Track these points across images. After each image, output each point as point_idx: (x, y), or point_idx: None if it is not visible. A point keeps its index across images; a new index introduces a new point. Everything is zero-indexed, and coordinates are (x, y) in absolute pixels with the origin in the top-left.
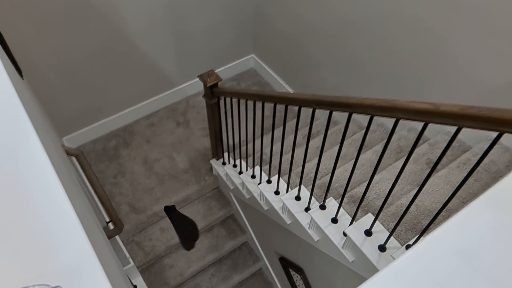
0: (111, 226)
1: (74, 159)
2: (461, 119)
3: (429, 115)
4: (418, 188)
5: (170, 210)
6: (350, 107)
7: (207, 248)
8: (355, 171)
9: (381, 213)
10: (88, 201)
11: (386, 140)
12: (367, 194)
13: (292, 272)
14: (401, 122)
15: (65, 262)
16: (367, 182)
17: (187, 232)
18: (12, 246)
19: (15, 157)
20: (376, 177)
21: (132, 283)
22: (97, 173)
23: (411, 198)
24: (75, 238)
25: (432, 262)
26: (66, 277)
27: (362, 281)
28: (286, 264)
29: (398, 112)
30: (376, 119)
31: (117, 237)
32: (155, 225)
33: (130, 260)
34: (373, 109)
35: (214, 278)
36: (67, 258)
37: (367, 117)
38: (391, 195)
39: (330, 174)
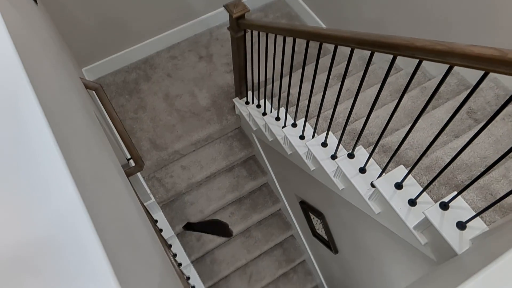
0: (132, 163)
1: (93, 93)
2: None
3: (492, 63)
4: (456, 139)
5: (192, 226)
6: (396, 49)
7: (227, 188)
8: (388, 118)
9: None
10: (107, 138)
11: (424, 85)
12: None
13: (312, 216)
14: (439, 65)
15: (47, 216)
16: (400, 131)
17: (219, 230)
18: None
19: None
20: (409, 126)
21: (153, 218)
22: (117, 107)
23: (449, 151)
24: (60, 187)
25: None
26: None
27: (387, 233)
28: (307, 208)
29: (455, 58)
30: (413, 60)
31: (138, 173)
32: (176, 163)
33: (151, 196)
34: (424, 53)
35: (233, 216)
36: (50, 210)
37: (404, 58)
38: (425, 147)
39: (360, 120)
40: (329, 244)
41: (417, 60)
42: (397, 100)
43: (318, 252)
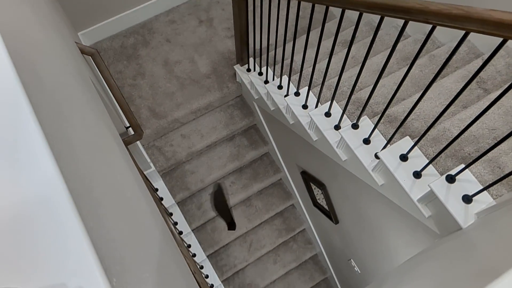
0: (131, 131)
1: (90, 58)
2: None
3: None
4: (464, 110)
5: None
6: (409, 13)
7: (228, 157)
8: (395, 87)
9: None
10: (104, 106)
11: (432, 53)
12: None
13: (314, 187)
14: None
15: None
16: (407, 101)
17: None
18: None
19: None
20: (416, 96)
21: (153, 186)
22: (115, 74)
23: (457, 122)
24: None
25: None
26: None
27: (390, 205)
28: (308, 178)
29: (472, 23)
30: (421, 26)
31: (138, 141)
32: (176, 131)
33: (151, 164)
34: (439, 18)
35: (234, 185)
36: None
37: (412, 23)
38: (432, 117)
39: (365, 90)
40: (330, 214)
41: (429, 26)
42: (404, 68)
43: (319, 222)
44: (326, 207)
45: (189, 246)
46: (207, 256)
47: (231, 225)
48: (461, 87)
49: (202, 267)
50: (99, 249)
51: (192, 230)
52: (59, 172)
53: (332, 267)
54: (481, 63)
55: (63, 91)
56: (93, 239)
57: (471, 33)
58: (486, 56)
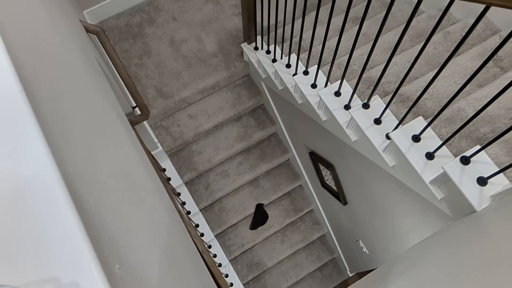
0: (137, 111)
1: (95, 37)
2: None
3: None
4: (480, 89)
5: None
6: None
7: (235, 137)
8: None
9: (433, 117)
10: (110, 85)
11: (447, 29)
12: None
13: (322, 167)
14: (465, 7)
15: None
16: (420, 80)
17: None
18: None
19: None
20: (430, 74)
21: (160, 167)
22: (121, 53)
23: (472, 101)
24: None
25: None
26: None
27: (401, 186)
28: (316, 159)
29: None
30: (436, 1)
31: (144, 122)
32: (183, 111)
33: (158, 144)
34: None
35: (241, 166)
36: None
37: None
38: (446, 97)
39: (376, 68)
40: (338, 195)
41: (445, 1)
42: (417, 45)
43: (327, 203)
44: (334, 188)
45: (197, 225)
46: (215, 236)
47: (255, 226)
48: (477, 65)
49: (210, 247)
50: (101, 235)
51: (200, 210)
52: (50, 153)
53: (340, 247)
54: (498, 40)
55: (63, 69)
56: (95, 224)
57: (497, 7)
58: (503, 33)
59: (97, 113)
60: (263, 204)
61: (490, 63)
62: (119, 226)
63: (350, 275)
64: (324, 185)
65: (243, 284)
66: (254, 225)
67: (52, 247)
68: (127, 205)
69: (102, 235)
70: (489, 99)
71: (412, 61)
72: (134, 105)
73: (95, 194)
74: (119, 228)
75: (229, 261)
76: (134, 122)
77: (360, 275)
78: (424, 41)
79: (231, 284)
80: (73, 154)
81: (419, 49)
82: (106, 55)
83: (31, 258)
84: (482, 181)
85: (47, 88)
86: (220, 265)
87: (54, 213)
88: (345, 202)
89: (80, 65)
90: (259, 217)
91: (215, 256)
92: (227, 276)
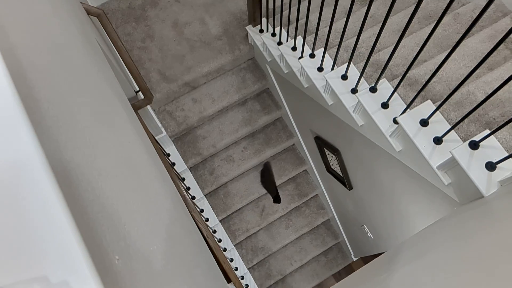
0: (140, 95)
1: (97, 20)
2: None
3: None
4: (490, 72)
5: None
6: None
7: (240, 122)
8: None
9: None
10: (111, 69)
11: (457, 11)
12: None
13: (327, 152)
14: None
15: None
16: (429, 62)
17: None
18: None
19: None
20: (439, 57)
21: (165, 152)
22: (124, 36)
23: (482, 85)
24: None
25: None
26: None
27: (407, 171)
28: (322, 144)
29: None
30: None
31: (148, 106)
32: (187, 96)
33: (162, 129)
34: None
35: (246, 150)
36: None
37: None
38: (456, 80)
39: (384, 51)
40: (344, 180)
41: None
42: (425, 28)
43: (332, 188)
44: (340, 173)
45: (201, 211)
46: (220, 221)
47: (277, 199)
48: (487, 47)
49: (215, 232)
50: (99, 225)
51: (205, 195)
52: (37, 141)
53: (345, 232)
54: (509, 22)
55: (61, 52)
56: (93, 214)
57: None
58: None
59: (98, 98)
60: (268, 162)
61: (501, 45)
62: (119, 215)
63: (355, 259)
64: (329, 170)
65: (248, 268)
66: (274, 196)
67: (41, 243)
68: (128, 193)
69: (101, 225)
70: (499, 82)
71: (421, 43)
72: (137, 89)
73: (93, 182)
74: (119, 218)
75: (234, 245)
76: (137, 106)
77: (365, 259)
78: (434, 23)
79: (236, 269)
80: (70, 141)
81: (428, 31)
82: (108, 38)
83: (16, 255)
84: (490, 166)
85: (42, 72)
86: (225, 249)
87: (42, 206)
88: (350, 187)
89: (80, 48)
90: (267, 178)
91: (220, 241)
92: (232, 260)
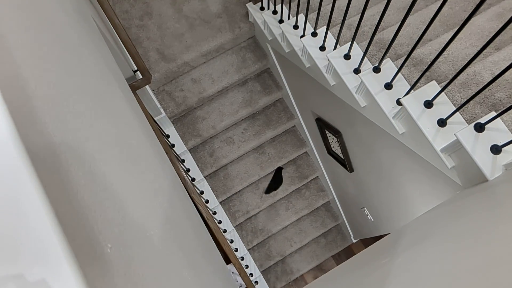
0: (139, 75)
1: None
2: None
3: None
4: (497, 52)
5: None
6: None
7: (240, 103)
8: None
9: (447, 82)
10: (108, 48)
11: None
12: (431, 56)
13: (328, 134)
14: None
15: None
16: (434, 42)
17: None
18: None
19: None
20: (445, 36)
21: (164, 133)
22: (121, 14)
23: (489, 65)
24: None
25: None
26: None
27: (410, 154)
28: (323, 126)
29: None
30: None
31: (147, 86)
32: (186, 75)
33: (162, 110)
34: None
35: (246, 132)
36: None
37: None
38: (462, 60)
39: (388, 29)
40: (345, 162)
41: None
42: (431, 5)
43: (332, 170)
44: (341, 155)
45: (201, 192)
46: (220, 203)
47: (268, 191)
48: (495, 26)
49: (215, 213)
50: (91, 212)
51: (205, 177)
52: (11, 121)
53: (344, 214)
54: None
55: (52, 28)
56: (84, 200)
57: None
58: None
59: (92, 77)
60: (283, 168)
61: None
62: (114, 200)
63: (354, 241)
64: (330, 152)
65: (247, 250)
66: (269, 189)
67: (16, 237)
68: (124, 176)
69: (93, 211)
70: (506, 63)
71: (427, 22)
72: (135, 68)
73: (86, 166)
74: (114, 203)
75: (234, 227)
76: (135, 86)
77: (364, 241)
78: (441, 0)
79: (236, 250)
80: (61, 123)
81: (434, 9)
82: (105, 15)
83: None
84: (496, 150)
85: (29, 50)
86: (225, 231)
87: (16, 194)
88: (351, 170)
89: (73, 25)
90: (276, 181)
91: (220, 222)
92: (232, 241)
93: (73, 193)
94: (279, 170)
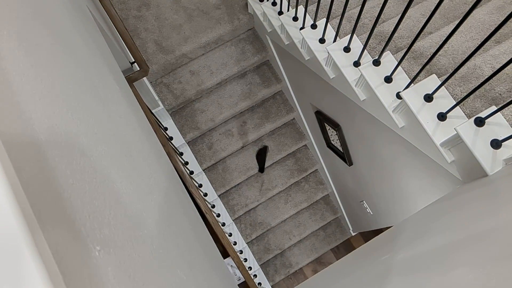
0: (136, 67)
1: None
2: None
3: None
4: (498, 45)
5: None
6: None
7: (239, 95)
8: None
9: (447, 75)
10: (104, 39)
11: None
12: (432, 49)
13: (328, 127)
14: None
15: None
16: (434, 35)
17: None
18: None
19: None
20: (445, 29)
21: (162, 125)
22: (118, 4)
23: (489, 59)
24: None
25: None
26: None
27: (409, 148)
28: (322, 119)
29: None
30: None
31: (144, 78)
32: (184, 67)
33: (160, 102)
34: None
35: (245, 125)
36: None
37: None
38: (462, 53)
39: (388, 22)
40: (344, 156)
41: None
42: None
43: (331, 163)
44: (340, 148)
45: (200, 186)
46: (219, 196)
47: (261, 170)
48: (496, 19)
49: (213, 207)
50: (78, 212)
51: (203, 170)
52: None
53: (344, 207)
54: None
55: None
56: (71, 200)
57: None
58: None
59: (85, 69)
60: (266, 146)
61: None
62: (104, 199)
63: (353, 234)
64: (330, 145)
65: (246, 243)
66: (261, 168)
67: None
68: (116, 173)
69: (81, 211)
70: (507, 56)
71: (428, 15)
72: (132, 60)
73: (75, 164)
74: (104, 202)
75: (233, 220)
76: (132, 78)
77: (363, 234)
78: None
79: (235, 243)
80: (48, 117)
81: (435, 2)
82: (101, 5)
83: None
84: (496, 144)
85: (16, 38)
86: (223, 224)
87: None
88: (350, 163)
89: (66, 13)
90: (261, 159)
91: (218, 215)
92: (230, 235)
93: (59, 193)
94: (261, 152)
